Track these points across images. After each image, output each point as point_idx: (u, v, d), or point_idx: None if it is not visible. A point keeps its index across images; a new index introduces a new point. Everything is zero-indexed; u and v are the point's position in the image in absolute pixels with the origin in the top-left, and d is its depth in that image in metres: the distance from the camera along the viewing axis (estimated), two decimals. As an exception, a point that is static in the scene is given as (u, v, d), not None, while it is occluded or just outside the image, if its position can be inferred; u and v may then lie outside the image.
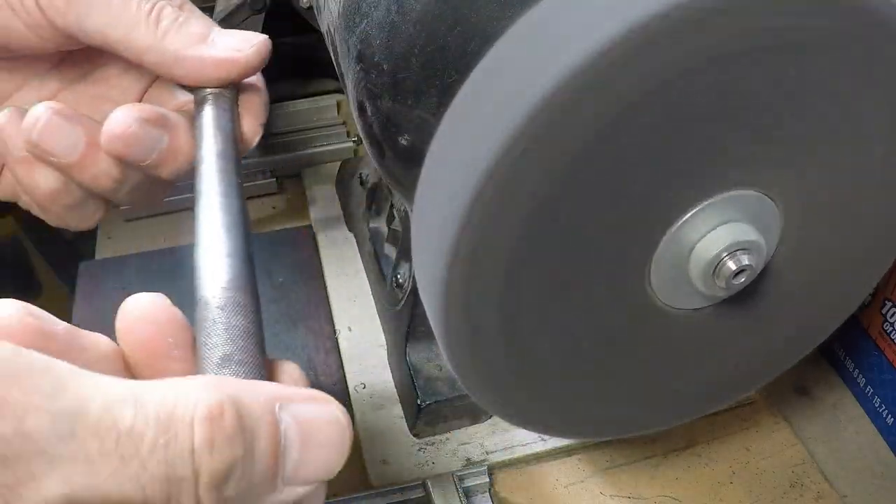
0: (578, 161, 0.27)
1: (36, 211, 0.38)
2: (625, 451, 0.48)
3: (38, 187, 0.36)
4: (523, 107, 0.25)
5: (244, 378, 0.24)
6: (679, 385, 0.37)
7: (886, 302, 0.47)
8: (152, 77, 0.39)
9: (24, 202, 0.38)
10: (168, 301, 0.25)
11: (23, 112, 0.34)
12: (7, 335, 0.22)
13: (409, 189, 0.33)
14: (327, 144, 0.70)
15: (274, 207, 0.66)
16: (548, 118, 0.25)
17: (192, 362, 0.25)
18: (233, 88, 0.35)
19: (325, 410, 0.22)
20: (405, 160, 0.37)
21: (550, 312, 0.31)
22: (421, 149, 0.30)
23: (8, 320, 0.23)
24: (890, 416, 0.48)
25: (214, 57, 0.34)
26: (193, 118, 0.35)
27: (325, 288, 0.58)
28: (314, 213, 0.64)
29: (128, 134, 0.33)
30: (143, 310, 0.25)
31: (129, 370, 0.25)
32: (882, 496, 0.47)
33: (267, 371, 0.25)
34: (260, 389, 0.21)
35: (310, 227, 0.63)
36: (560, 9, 0.27)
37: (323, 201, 0.65)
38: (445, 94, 0.32)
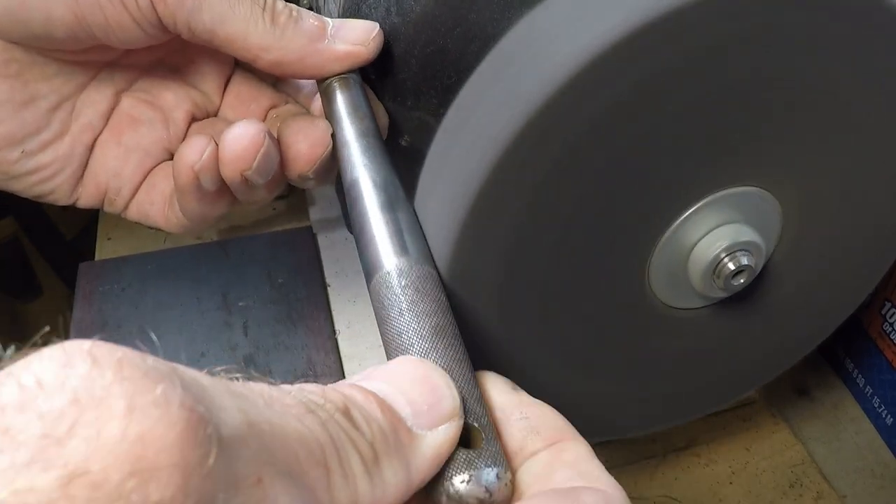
0: (577, 159, 0.27)
1: (153, 224, 0.37)
2: (625, 451, 0.48)
3: (210, 215, 0.35)
4: (524, 106, 0.25)
5: (453, 350, 0.24)
6: (679, 385, 0.37)
7: (886, 302, 0.47)
8: (232, 65, 0.37)
9: (147, 220, 0.37)
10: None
11: (211, 142, 0.32)
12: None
13: (408, 190, 0.33)
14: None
15: (274, 209, 0.66)
16: (548, 116, 0.25)
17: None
18: (356, 72, 0.34)
19: (391, 364, 0.22)
20: (405, 161, 0.37)
21: (549, 310, 0.31)
22: (421, 149, 0.30)
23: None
24: (889, 416, 0.48)
25: (338, 52, 0.32)
26: (322, 104, 0.33)
27: (325, 288, 0.58)
28: (314, 214, 0.64)
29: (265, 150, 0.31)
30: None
31: None
32: (882, 496, 0.47)
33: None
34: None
35: (310, 227, 0.63)
36: (562, 7, 0.27)
37: (323, 202, 0.65)
38: (445, 96, 0.32)
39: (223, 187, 0.33)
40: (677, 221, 0.30)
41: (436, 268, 0.26)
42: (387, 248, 0.26)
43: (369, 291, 0.25)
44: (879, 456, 0.49)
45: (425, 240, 0.27)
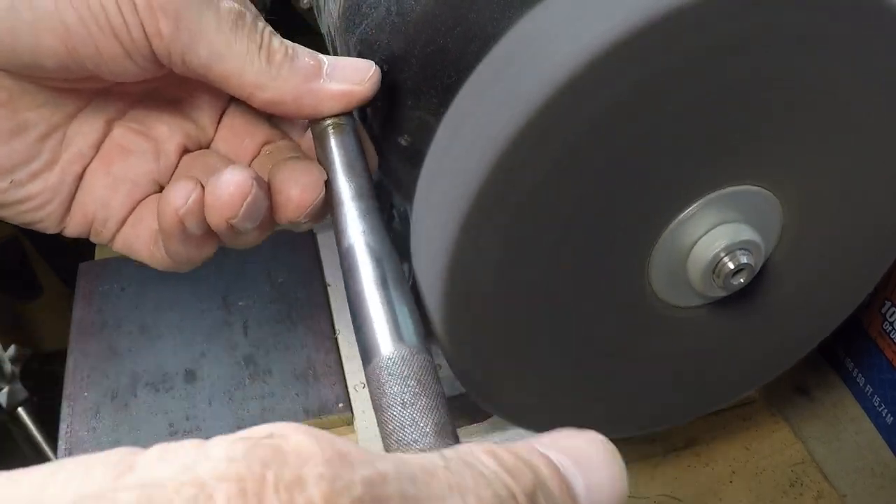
0: (577, 159, 0.27)
1: (141, 259, 0.37)
2: (625, 450, 0.48)
3: (196, 258, 0.34)
4: (524, 106, 0.25)
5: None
6: (679, 384, 0.37)
7: (886, 302, 0.47)
8: (228, 98, 0.36)
9: (130, 253, 0.37)
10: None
11: (197, 185, 0.31)
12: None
13: (408, 189, 0.33)
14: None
15: (274, 208, 0.66)
16: (548, 116, 0.25)
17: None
18: (351, 114, 0.33)
19: (581, 436, 0.21)
20: (405, 160, 0.37)
21: (549, 308, 0.31)
22: (421, 149, 0.30)
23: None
24: (889, 415, 0.48)
25: (334, 91, 0.32)
26: (315, 148, 0.33)
27: (325, 288, 0.58)
28: (314, 214, 0.64)
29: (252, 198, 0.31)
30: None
31: None
32: (882, 496, 0.47)
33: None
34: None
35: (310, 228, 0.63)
36: (562, 7, 0.27)
37: (323, 202, 0.65)
38: (445, 95, 0.32)
39: (209, 231, 0.32)
40: (677, 220, 0.30)
41: (430, 353, 0.25)
42: (385, 331, 0.25)
43: (366, 373, 0.25)
44: (879, 455, 0.49)
45: (422, 322, 0.26)
